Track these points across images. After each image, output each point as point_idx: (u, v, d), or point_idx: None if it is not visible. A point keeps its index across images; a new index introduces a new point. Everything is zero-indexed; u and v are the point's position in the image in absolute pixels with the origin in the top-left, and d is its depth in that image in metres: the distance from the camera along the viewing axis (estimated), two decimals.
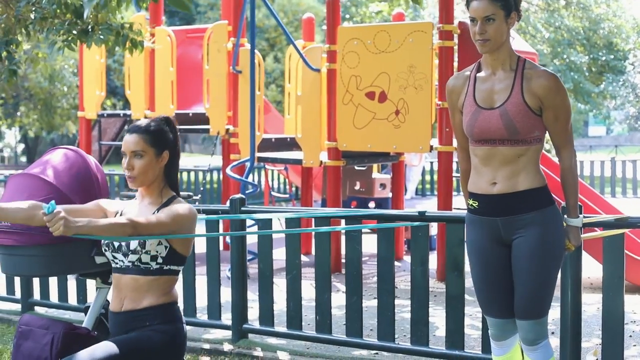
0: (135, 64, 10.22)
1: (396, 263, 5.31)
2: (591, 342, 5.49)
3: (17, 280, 6.81)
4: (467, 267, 4.01)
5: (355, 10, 27.14)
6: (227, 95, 9.62)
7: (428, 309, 4.94)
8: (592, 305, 6.44)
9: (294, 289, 5.41)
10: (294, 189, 14.17)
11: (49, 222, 2.95)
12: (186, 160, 32.29)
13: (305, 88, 8.97)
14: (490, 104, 3.51)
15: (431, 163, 18.04)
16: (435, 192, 13.21)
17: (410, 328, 5.02)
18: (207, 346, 5.57)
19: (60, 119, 25.56)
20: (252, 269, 7.48)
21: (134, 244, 3.29)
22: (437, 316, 5.95)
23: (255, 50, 8.38)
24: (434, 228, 8.46)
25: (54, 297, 6.57)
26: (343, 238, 6.13)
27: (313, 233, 5.97)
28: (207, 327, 5.89)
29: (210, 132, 9.82)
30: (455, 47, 7.92)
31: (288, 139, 10.09)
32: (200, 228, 5.26)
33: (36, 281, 6.69)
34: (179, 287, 3.47)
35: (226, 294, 6.00)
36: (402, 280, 7.71)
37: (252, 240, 7.93)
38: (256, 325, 5.61)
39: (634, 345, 5.46)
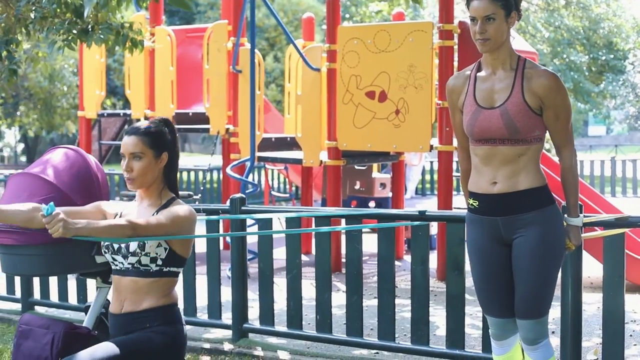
0: (135, 64, 10.22)
1: (396, 262, 5.32)
2: (591, 341, 5.49)
3: (17, 279, 6.81)
4: (468, 267, 4.01)
5: (355, 9, 27.12)
6: (227, 94, 9.62)
7: (428, 309, 4.94)
8: (592, 304, 6.44)
9: (294, 288, 5.41)
10: (294, 188, 14.17)
11: (48, 224, 2.95)
12: (186, 160, 32.28)
13: (305, 87, 8.97)
14: (491, 104, 3.51)
15: (431, 162, 18.03)
16: (435, 192, 13.21)
17: (410, 327, 5.02)
18: (207, 345, 5.57)
19: (60, 118, 25.56)
20: (253, 268, 7.48)
21: (133, 246, 3.29)
22: (438, 315, 5.95)
23: (255, 50, 8.37)
24: (434, 227, 8.46)
25: (54, 296, 6.57)
26: (343, 237, 6.13)
27: (313, 232, 5.96)
28: (208, 326, 5.89)
29: (210, 132, 9.82)
30: (456, 47, 7.91)
31: (288, 139, 10.09)
32: (201, 228, 5.26)
33: (36, 281, 6.69)
34: (179, 287, 3.48)
35: (226, 294, 6.00)
36: (403, 280, 7.71)
37: (252, 239, 7.93)
38: (256, 324, 5.61)
39: (635, 345, 5.46)
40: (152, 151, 3.36)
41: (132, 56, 6.71)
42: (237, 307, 5.60)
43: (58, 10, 5.82)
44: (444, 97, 7.50)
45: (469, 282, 4.39)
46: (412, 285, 4.98)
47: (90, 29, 5.93)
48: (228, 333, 5.72)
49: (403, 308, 6.18)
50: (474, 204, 3.61)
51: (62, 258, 3.76)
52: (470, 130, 3.55)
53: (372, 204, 11.34)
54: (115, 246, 3.34)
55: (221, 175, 11.47)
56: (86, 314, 3.97)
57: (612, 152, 27.21)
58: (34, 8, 5.96)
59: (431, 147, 8.00)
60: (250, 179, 8.73)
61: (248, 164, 8.46)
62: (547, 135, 3.60)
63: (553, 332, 5.40)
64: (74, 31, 5.94)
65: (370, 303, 6.28)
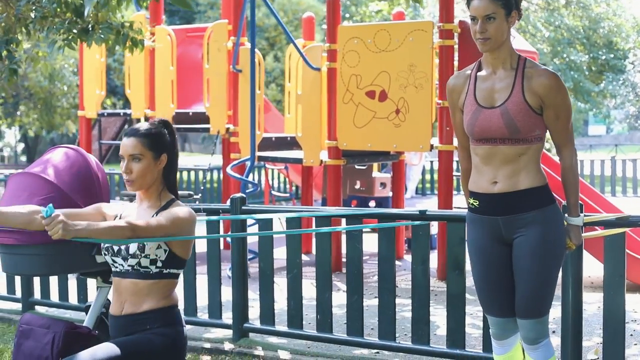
0: (135, 63, 10.22)
1: (396, 262, 5.31)
2: (592, 340, 5.49)
3: (17, 279, 6.81)
4: (468, 266, 4.01)
5: (355, 9, 27.13)
6: (227, 94, 9.62)
7: (429, 308, 4.94)
8: (592, 304, 6.44)
9: (294, 288, 5.41)
10: (294, 188, 14.17)
11: (48, 225, 2.94)
12: (186, 160, 32.28)
13: (306, 87, 8.96)
14: (491, 103, 3.51)
15: (431, 162, 18.04)
16: (436, 192, 13.19)
17: (411, 327, 5.01)
18: (207, 345, 5.56)
19: (60, 118, 25.55)
20: (253, 268, 7.48)
21: (133, 248, 3.28)
22: (438, 315, 5.95)
23: (256, 49, 8.37)
24: (434, 227, 8.46)
25: (54, 296, 6.57)
26: (344, 237, 6.12)
27: (314, 232, 5.97)
28: (208, 326, 5.89)
29: (210, 131, 9.82)
30: (456, 46, 7.91)
31: (288, 138, 10.09)
32: (201, 228, 5.26)
33: (37, 280, 6.69)
34: (179, 286, 3.47)
35: (227, 293, 6.00)
36: (403, 279, 7.71)
37: (252, 239, 7.93)
38: (257, 324, 5.61)
39: (635, 344, 5.46)
40: (152, 153, 3.36)
41: (132, 56, 6.71)
42: (237, 307, 5.60)
43: (58, 9, 5.82)
44: (444, 97, 7.50)
45: (470, 281, 4.38)
46: (412, 285, 4.98)
47: (90, 29, 5.93)
48: (228, 333, 5.72)
49: (403, 308, 6.18)
50: (474, 203, 3.61)
51: (62, 258, 3.76)
52: (471, 129, 3.55)
53: (372, 203, 11.34)
54: (115, 248, 3.34)
55: (221, 175, 11.47)
56: (86, 313, 3.97)
57: (612, 152, 27.20)
58: (34, 7, 5.95)
59: (431, 147, 8.00)
60: (250, 178, 8.73)
61: (248, 163, 8.46)
62: (548, 134, 3.60)
63: (554, 332, 5.40)
64: (74, 31, 5.93)
65: (370, 303, 6.28)
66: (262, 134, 9.40)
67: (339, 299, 6.22)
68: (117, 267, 3.37)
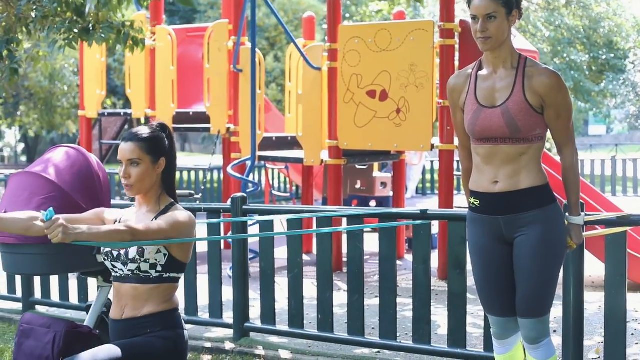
0: (135, 63, 10.22)
1: (397, 262, 5.32)
2: (593, 340, 5.49)
3: (18, 279, 6.80)
4: (469, 265, 4.01)
5: (356, 9, 27.12)
6: (227, 94, 9.62)
7: (430, 307, 4.94)
8: (593, 303, 6.44)
9: (295, 287, 5.41)
10: (294, 187, 14.17)
11: (48, 229, 2.93)
12: (186, 160, 32.28)
13: (306, 87, 8.96)
14: (492, 103, 3.51)
15: (431, 162, 18.04)
16: (436, 191, 13.19)
17: (412, 326, 5.01)
18: (208, 345, 5.56)
19: (61, 118, 25.56)
20: (254, 267, 7.48)
21: (132, 253, 3.28)
22: (439, 314, 5.95)
23: (256, 49, 8.37)
24: (434, 227, 8.46)
25: (55, 296, 6.57)
26: (344, 237, 6.12)
27: (314, 232, 5.96)
28: (209, 325, 5.88)
29: (211, 131, 9.82)
30: (457, 46, 7.91)
31: (289, 138, 10.08)
32: (202, 229, 5.26)
33: (37, 280, 6.68)
34: (180, 286, 3.46)
35: (228, 293, 6.00)
36: (404, 279, 7.71)
37: (253, 239, 7.93)
38: (258, 323, 5.61)
39: (636, 344, 5.46)
40: (150, 157, 3.34)
41: (132, 55, 6.71)
42: (238, 307, 5.60)
43: (59, 9, 5.82)
44: (444, 96, 7.50)
45: (470, 281, 4.38)
46: (413, 284, 4.98)
47: (91, 28, 5.93)
48: (229, 332, 5.72)
49: (404, 307, 6.18)
50: (475, 202, 3.60)
51: (63, 257, 3.76)
52: (472, 129, 3.55)
53: (372, 203, 11.34)
54: (115, 253, 3.33)
55: (222, 175, 11.47)
56: (87, 313, 3.97)
57: (612, 152, 27.18)
58: (34, 7, 5.95)
59: (432, 146, 8.00)
60: (250, 178, 8.73)
61: (249, 163, 8.46)
62: (549, 134, 3.60)
63: (555, 331, 5.40)
64: (75, 30, 5.93)
65: (371, 302, 6.28)
66: (262, 134, 9.40)
67: (340, 298, 6.22)
68: (117, 272, 3.37)
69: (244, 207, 5.51)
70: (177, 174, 15.58)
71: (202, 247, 6.41)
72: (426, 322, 4.93)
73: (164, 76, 9.88)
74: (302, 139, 8.93)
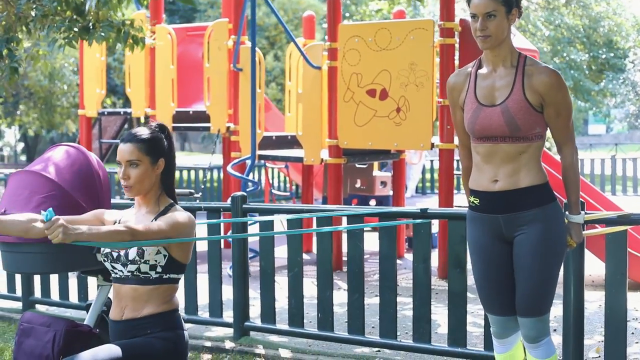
0: (135, 62, 10.21)
1: (397, 261, 5.32)
2: (593, 339, 5.49)
3: (18, 278, 6.80)
4: (469, 264, 4.00)
5: (355, 8, 27.12)
6: (227, 93, 9.62)
7: (430, 306, 4.93)
8: (594, 302, 6.44)
9: (295, 286, 5.41)
10: (294, 187, 14.16)
11: (48, 229, 2.93)
12: (186, 159, 32.27)
13: (306, 86, 8.96)
14: (492, 101, 3.50)
15: (431, 161, 18.04)
16: (436, 191, 13.17)
17: (412, 325, 5.01)
18: (208, 344, 5.56)
19: (60, 117, 25.53)
20: (254, 267, 7.48)
21: (132, 254, 3.27)
22: (439, 314, 5.95)
23: (256, 48, 8.37)
24: (434, 226, 8.46)
25: (55, 295, 6.56)
26: (344, 236, 6.12)
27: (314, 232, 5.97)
28: (209, 324, 5.88)
29: (210, 130, 9.81)
30: (457, 45, 7.90)
31: (289, 137, 10.09)
32: (202, 228, 5.25)
33: (37, 279, 6.68)
34: (180, 285, 3.46)
35: (228, 292, 5.99)
36: (404, 278, 7.70)
37: (253, 238, 7.93)
38: (258, 322, 5.61)
39: (637, 343, 5.46)
40: (149, 158, 3.34)
41: (132, 54, 6.70)
42: (238, 306, 5.60)
43: (59, 8, 5.81)
44: (444, 95, 7.49)
45: (471, 280, 4.38)
46: (413, 283, 4.98)
47: (91, 27, 5.92)
48: (229, 331, 5.72)
49: (404, 306, 6.18)
50: (475, 201, 3.60)
51: (63, 256, 3.75)
52: (471, 128, 3.54)
53: (372, 202, 11.34)
54: (115, 254, 3.32)
55: (221, 174, 11.46)
56: (87, 312, 3.97)
57: (612, 151, 27.18)
58: (34, 6, 5.95)
59: (432, 145, 7.99)
60: (250, 177, 8.73)
61: (249, 162, 8.45)
62: (549, 133, 3.60)
63: (555, 330, 5.40)
64: (75, 29, 5.93)
65: (371, 301, 6.27)
66: (262, 133, 9.39)
67: (340, 297, 6.22)
68: (116, 273, 3.36)
69: (244, 206, 5.51)
70: (177, 173, 15.58)
71: (202, 247, 6.41)
72: (426, 321, 4.93)
73: (163, 75, 9.88)
74: (302, 138, 8.93)
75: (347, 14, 26.27)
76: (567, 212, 3.63)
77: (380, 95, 8.09)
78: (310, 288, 6.34)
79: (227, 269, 7.52)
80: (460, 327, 4.82)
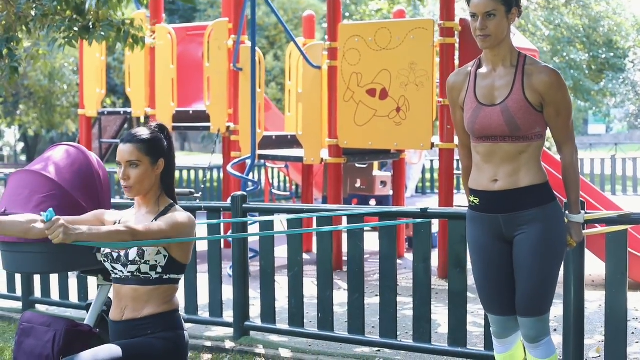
0: (135, 62, 10.21)
1: (397, 261, 5.31)
2: (594, 339, 5.49)
3: (17, 277, 6.80)
4: (470, 264, 4.00)
5: (355, 8, 27.11)
6: (227, 92, 9.61)
7: (430, 306, 4.93)
8: (594, 302, 6.44)
9: (295, 286, 5.41)
10: (294, 186, 14.16)
11: (49, 230, 2.92)
12: (186, 159, 32.27)
13: (306, 85, 8.96)
14: (491, 101, 3.50)
15: (431, 161, 18.03)
16: (436, 191, 13.16)
17: (412, 325, 5.01)
18: (208, 344, 5.56)
19: (60, 117, 25.53)
20: (254, 266, 7.48)
21: (132, 255, 3.27)
22: (439, 313, 5.94)
23: (256, 48, 8.36)
24: (434, 226, 8.45)
25: (55, 295, 6.56)
26: (344, 235, 6.11)
27: (315, 231, 5.98)
28: (209, 324, 5.88)
29: (210, 130, 9.81)
30: (457, 45, 7.90)
31: (289, 137, 10.08)
32: (202, 228, 5.25)
33: (37, 279, 6.68)
34: (180, 285, 3.46)
35: (228, 292, 5.99)
36: (404, 278, 7.70)
37: (253, 238, 7.93)
38: (258, 322, 5.60)
39: (637, 342, 5.45)
40: (149, 158, 3.33)
41: (132, 54, 6.69)
42: (238, 305, 5.60)
43: (59, 7, 5.81)
44: (445, 95, 7.49)
45: (471, 279, 4.38)
46: (414, 283, 4.97)
47: (91, 26, 5.92)
48: (229, 331, 5.72)
49: (405, 306, 6.18)
50: (474, 201, 3.60)
51: (63, 255, 3.75)
52: (471, 127, 3.54)
53: (372, 202, 11.33)
54: (115, 255, 3.32)
55: (221, 174, 11.46)
56: (87, 312, 3.97)
57: (612, 151, 27.17)
58: (34, 6, 5.94)
59: (432, 145, 7.99)
60: (250, 177, 8.72)
61: (249, 162, 8.45)
62: (548, 133, 3.59)
63: (555, 330, 5.40)
64: (75, 28, 5.92)
65: (371, 301, 6.27)
66: (262, 133, 9.39)
67: (340, 297, 6.21)
68: (117, 274, 3.36)
69: (244, 205, 5.51)
70: (177, 173, 15.57)
71: (202, 246, 6.41)
72: (426, 320, 4.93)
73: (163, 75, 9.87)
74: (302, 137, 8.92)
75: (347, 14, 26.27)
76: (567, 212, 3.62)
77: (380, 95, 8.08)
78: (310, 288, 6.34)
79: (227, 268, 7.52)
80: (460, 327, 4.82)
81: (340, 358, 5.18)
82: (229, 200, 5.58)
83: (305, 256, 5.95)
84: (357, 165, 10.86)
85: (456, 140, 3.89)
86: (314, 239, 8.38)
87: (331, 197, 8.57)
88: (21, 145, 42.40)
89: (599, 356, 5.07)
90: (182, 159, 31.86)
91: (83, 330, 3.47)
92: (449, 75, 3.77)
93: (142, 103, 10.25)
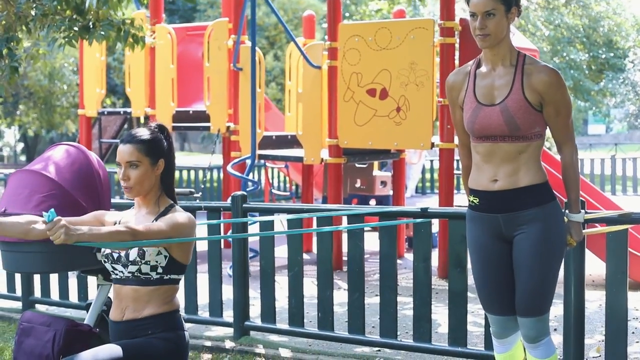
0: (135, 62, 10.21)
1: (397, 260, 5.31)
2: (594, 338, 5.48)
3: (17, 277, 6.80)
4: (470, 264, 4.00)
5: (355, 8, 27.12)
6: (227, 92, 9.61)
7: (430, 306, 4.93)
8: (594, 302, 6.44)
9: (295, 286, 5.40)
10: (294, 186, 14.16)
11: (50, 230, 2.92)
12: (185, 159, 32.27)
13: (306, 85, 8.96)
14: (491, 101, 3.50)
15: (431, 161, 18.04)
16: (435, 191, 13.15)
17: (412, 325, 5.00)
18: (208, 343, 5.56)
19: (60, 117, 25.54)
20: (254, 266, 7.48)
21: (133, 255, 3.27)
22: (439, 313, 5.94)
23: (256, 48, 8.36)
24: (434, 225, 8.45)
25: (54, 294, 6.56)
26: (345, 235, 6.11)
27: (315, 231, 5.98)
28: (209, 324, 5.88)
29: (210, 130, 9.80)
30: (457, 44, 7.90)
31: (289, 137, 10.08)
32: (202, 228, 5.24)
33: (37, 279, 6.67)
34: (180, 285, 3.45)
35: (228, 292, 5.99)
36: (404, 278, 7.70)
37: (253, 238, 7.92)
38: (258, 322, 5.60)
39: (637, 342, 5.45)
40: (149, 159, 3.33)
41: (133, 53, 6.69)
42: (238, 305, 5.60)
43: (59, 7, 5.81)
44: (445, 95, 7.48)
45: (471, 279, 4.38)
46: (414, 283, 4.97)
47: (91, 26, 5.92)
48: (229, 331, 5.72)
49: (405, 306, 6.17)
50: (474, 201, 3.60)
51: (63, 255, 3.75)
52: (471, 127, 3.54)
53: (372, 202, 11.33)
54: (115, 255, 3.32)
55: (221, 174, 11.46)
56: (87, 311, 3.96)
57: (612, 151, 27.17)
58: (34, 5, 5.94)
59: (432, 145, 7.99)
60: (250, 177, 8.72)
61: (249, 162, 8.44)
62: (548, 133, 3.59)
63: (555, 330, 5.39)
64: (75, 28, 5.92)
65: (371, 301, 6.27)
66: (262, 133, 9.39)
67: (340, 297, 6.21)
68: (117, 274, 3.35)
69: (244, 205, 5.50)
70: (177, 173, 15.57)
71: (202, 246, 6.41)
72: (427, 320, 4.92)
73: (163, 75, 9.87)
74: (302, 137, 8.92)
75: (347, 14, 26.27)
76: (567, 211, 3.62)
77: (381, 95, 8.08)
78: (310, 288, 6.33)
79: (227, 268, 7.52)
80: (460, 327, 4.82)
81: (340, 358, 5.18)
82: (229, 200, 5.58)
83: (305, 256, 5.95)
84: (357, 165, 10.86)
85: (456, 140, 3.89)
86: (314, 238, 8.37)
87: (331, 197, 8.57)
88: (21, 145, 42.41)
89: (599, 356, 5.07)
90: (181, 159, 31.86)
91: (83, 330, 3.47)
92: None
93: (142, 103, 10.25)
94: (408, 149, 10.08)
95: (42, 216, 3.02)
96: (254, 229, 8.06)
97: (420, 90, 7.85)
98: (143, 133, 3.37)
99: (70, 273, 6.32)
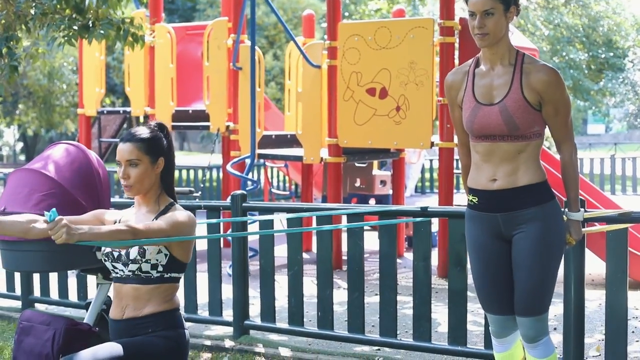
0: (135, 61, 10.21)
1: (397, 260, 5.30)
2: (594, 338, 5.48)
3: (17, 276, 6.79)
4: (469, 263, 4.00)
5: (355, 8, 27.11)
6: (227, 92, 9.61)
7: (430, 305, 4.93)
8: (594, 301, 6.43)
9: (295, 285, 5.40)
10: (294, 186, 14.16)
11: (51, 230, 2.92)
12: (185, 159, 32.26)
13: (306, 85, 8.95)
14: (490, 100, 3.49)
15: (430, 161, 18.04)
16: (435, 190, 13.15)
17: (412, 324, 5.00)
18: (208, 342, 5.56)
19: (59, 117, 25.51)
20: (254, 265, 7.48)
21: (133, 254, 3.27)
22: (439, 312, 5.94)
23: (256, 47, 8.36)
24: (434, 225, 8.45)
25: (54, 293, 6.55)
26: (344, 235, 6.11)
27: (314, 230, 5.99)
28: (209, 323, 5.88)
29: (210, 129, 9.80)
30: (456, 44, 7.90)
31: (288, 136, 10.08)
32: (202, 227, 5.24)
33: (36, 278, 6.67)
34: (180, 284, 3.45)
35: (227, 291, 5.99)
36: (404, 277, 7.70)
37: (253, 237, 7.92)
38: (258, 321, 5.60)
39: (637, 341, 5.45)
40: (149, 157, 3.33)
41: (132, 52, 6.68)
42: (238, 304, 5.59)
43: (58, 6, 5.81)
44: (444, 94, 7.48)
45: (471, 278, 4.37)
46: (414, 282, 4.97)
47: (91, 25, 5.92)
48: (229, 330, 5.72)
49: (405, 305, 6.17)
50: (473, 200, 3.59)
51: (62, 254, 3.75)
52: (470, 126, 3.54)
53: (372, 201, 11.33)
54: (115, 254, 3.32)
55: (221, 174, 11.46)
56: (87, 311, 3.96)
57: (611, 150, 27.16)
58: (34, 4, 5.94)
59: (432, 144, 7.99)
60: (250, 176, 8.72)
61: (248, 161, 8.44)
62: (548, 132, 3.59)
63: (555, 329, 5.39)
64: (75, 27, 5.92)
65: (371, 300, 6.27)
66: (262, 132, 9.39)
67: (340, 296, 6.21)
68: (117, 273, 3.35)
69: (243, 204, 5.50)
70: (176, 173, 15.56)
71: (201, 245, 6.41)
72: (426, 319, 4.92)
73: (163, 74, 9.87)
74: (301, 137, 8.92)
75: (347, 14, 26.26)
76: (566, 210, 3.62)
77: (380, 94, 8.08)
78: (310, 287, 6.33)
79: (226, 267, 7.52)
80: (460, 326, 4.82)
81: (340, 357, 5.18)
82: (228, 200, 5.58)
83: (305, 255, 5.94)
84: (356, 165, 10.86)
85: (456, 139, 3.88)
86: (314, 238, 8.38)
87: (331, 196, 8.57)
88: (20, 144, 42.40)
89: (599, 355, 5.06)
90: (181, 158, 31.84)
91: (83, 329, 3.46)
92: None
93: (142, 102, 10.25)
94: (408, 148, 10.08)
95: (41, 215, 3.02)
96: (253, 228, 8.06)
97: (419, 89, 7.85)
98: (143, 131, 3.36)
99: (69, 272, 6.32)
